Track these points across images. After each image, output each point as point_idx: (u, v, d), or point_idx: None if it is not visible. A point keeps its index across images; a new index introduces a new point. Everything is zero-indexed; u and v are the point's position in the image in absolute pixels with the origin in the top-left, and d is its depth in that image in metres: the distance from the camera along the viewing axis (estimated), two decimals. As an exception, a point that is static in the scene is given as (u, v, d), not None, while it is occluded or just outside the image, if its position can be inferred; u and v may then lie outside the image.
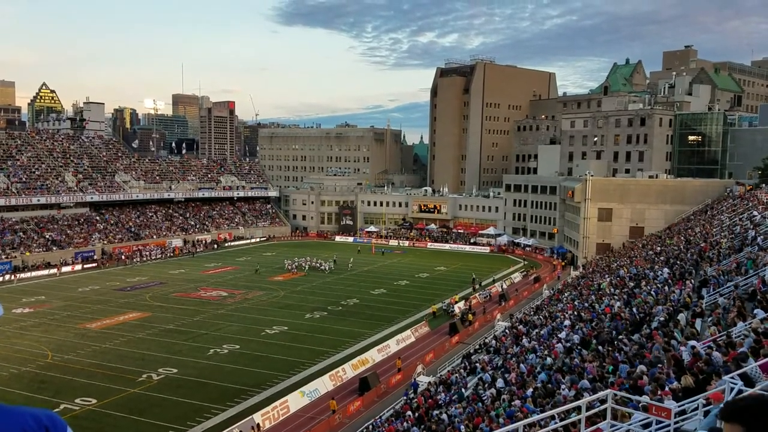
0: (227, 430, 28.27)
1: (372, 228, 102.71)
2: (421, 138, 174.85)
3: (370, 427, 29.31)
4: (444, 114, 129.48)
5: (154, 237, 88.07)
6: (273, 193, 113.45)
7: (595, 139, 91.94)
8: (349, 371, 37.28)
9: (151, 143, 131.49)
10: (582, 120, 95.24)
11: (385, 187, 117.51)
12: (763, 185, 58.00)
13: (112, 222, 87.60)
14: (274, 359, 39.33)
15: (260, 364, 38.42)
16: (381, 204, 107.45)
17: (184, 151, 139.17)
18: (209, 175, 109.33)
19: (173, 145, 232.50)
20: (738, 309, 18.74)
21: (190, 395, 33.21)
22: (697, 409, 11.59)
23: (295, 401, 32.66)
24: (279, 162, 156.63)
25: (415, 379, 36.24)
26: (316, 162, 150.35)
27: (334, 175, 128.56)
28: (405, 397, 31.94)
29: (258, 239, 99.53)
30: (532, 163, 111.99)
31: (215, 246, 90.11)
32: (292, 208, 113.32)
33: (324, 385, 35.08)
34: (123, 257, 77.98)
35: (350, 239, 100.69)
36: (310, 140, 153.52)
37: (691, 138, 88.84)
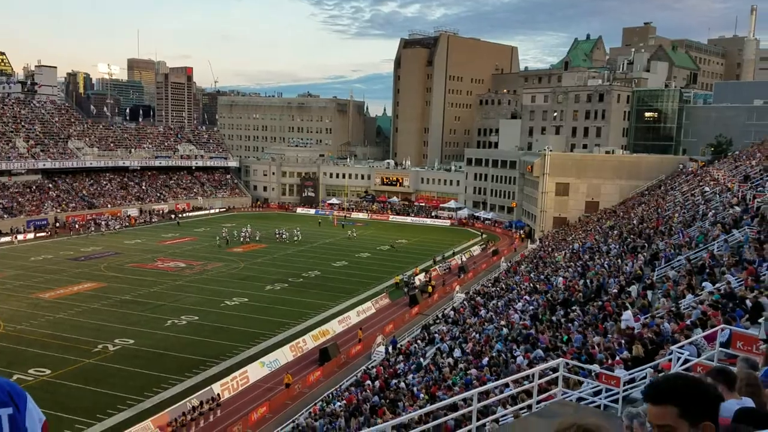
0: (185, 400, 28.21)
1: (334, 200, 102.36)
2: (384, 110, 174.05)
3: (330, 396, 29.65)
4: (407, 86, 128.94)
5: (109, 206, 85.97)
6: (233, 164, 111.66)
7: (555, 114, 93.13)
8: (309, 342, 37.48)
9: (105, 109, 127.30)
10: (542, 95, 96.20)
11: (348, 159, 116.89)
12: (716, 162, 59.89)
13: (65, 190, 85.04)
14: (234, 330, 39.19)
15: (219, 335, 38.24)
16: (343, 176, 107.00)
17: (140, 118, 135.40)
18: (166, 144, 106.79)
19: (128, 111, 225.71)
20: (687, 282, 19.47)
21: (147, 366, 32.91)
22: (645, 377, 12.08)
23: (255, 372, 32.74)
24: (239, 131, 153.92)
25: (375, 349, 36.73)
26: (277, 132, 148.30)
27: (296, 146, 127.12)
28: (367, 364, 32.34)
29: (217, 210, 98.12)
30: (493, 138, 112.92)
31: (172, 216, 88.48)
32: (252, 179, 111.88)
33: (284, 355, 35.21)
34: (77, 226, 75.96)
35: (312, 211, 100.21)
36: (271, 110, 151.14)
37: (647, 114, 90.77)
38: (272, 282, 51.87)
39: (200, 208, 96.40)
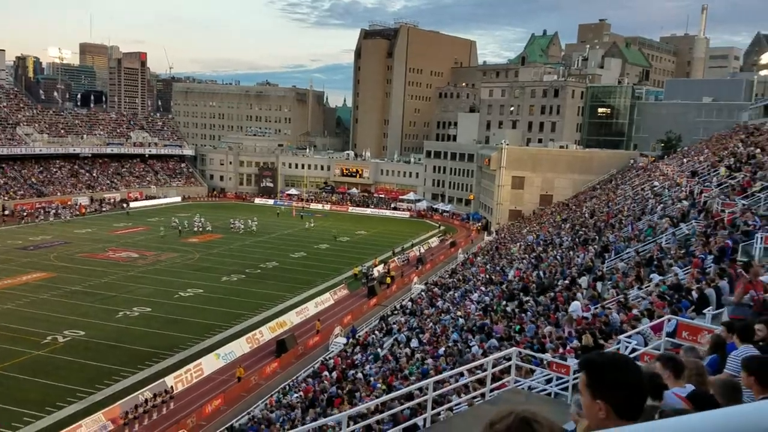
0: (138, 392, 27.74)
1: (293, 191, 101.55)
2: (344, 101, 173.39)
3: (287, 387, 29.59)
4: (367, 77, 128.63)
5: (59, 194, 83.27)
6: (188, 152, 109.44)
7: (512, 108, 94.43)
8: (266, 333, 37.25)
9: (56, 94, 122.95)
10: (500, 89, 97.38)
11: (307, 150, 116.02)
12: (665, 157, 61.81)
13: (13, 177, 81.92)
14: (188, 322, 38.61)
15: (173, 327, 37.62)
16: (302, 167, 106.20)
17: (91, 104, 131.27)
18: (118, 130, 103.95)
19: (80, 97, 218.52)
20: (636, 273, 20.12)
21: (98, 358, 32.17)
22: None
23: (210, 364, 32.37)
24: (195, 119, 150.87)
25: (332, 340, 36.75)
26: (234, 121, 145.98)
27: (254, 135, 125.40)
28: (322, 357, 32.36)
29: (172, 199, 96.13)
30: (452, 130, 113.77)
31: (124, 205, 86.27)
32: (208, 168, 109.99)
33: (240, 347, 34.91)
34: (25, 214, 73.34)
35: (270, 201, 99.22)
36: (228, 97, 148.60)
37: (600, 110, 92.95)
38: (229, 273, 51.23)
39: (154, 197, 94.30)
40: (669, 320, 10.97)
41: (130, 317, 39.05)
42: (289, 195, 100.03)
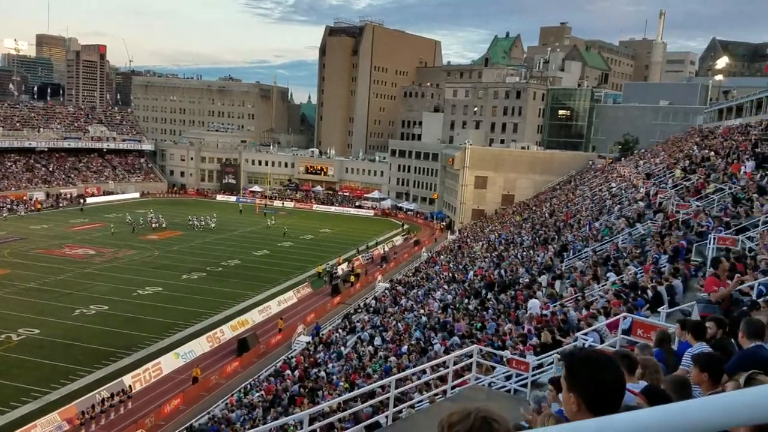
0: (94, 392, 27.17)
1: (256, 188, 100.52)
2: (309, 97, 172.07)
3: (248, 386, 29.34)
4: (332, 74, 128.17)
5: (13, 189, 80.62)
6: (148, 147, 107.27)
7: (475, 109, 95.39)
8: (227, 332, 36.85)
9: (11, 86, 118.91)
10: (464, 90, 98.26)
11: (271, 147, 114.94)
12: (623, 159, 63.33)
13: (-40, 171, 78.99)
14: (147, 321, 37.90)
15: (131, 325, 36.88)
16: (266, 163, 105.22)
17: (48, 97, 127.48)
18: (76, 124, 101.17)
19: (36, 89, 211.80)
20: (593, 272, 20.60)
21: (54, 357, 31.36)
22: (552, 363, 12.74)
23: (169, 363, 31.88)
24: (155, 113, 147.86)
25: (295, 339, 36.57)
26: (196, 116, 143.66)
27: (216, 130, 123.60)
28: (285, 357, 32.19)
29: (130, 195, 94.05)
30: (417, 130, 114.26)
31: (80, 201, 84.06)
32: (169, 164, 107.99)
33: (200, 346, 34.46)
34: (-26, 211, 70.81)
35: (233, 198, 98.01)
36: (190, 92, 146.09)
37: (561, 112, 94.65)
38: (189, 271, 50.45)
39: (111, 193, 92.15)
40: (624, 318, 11.29)
41: (87, 315, 38.14)
42: (252, 192, 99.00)
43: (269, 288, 47.29)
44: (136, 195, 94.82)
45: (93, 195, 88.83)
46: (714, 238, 16.80)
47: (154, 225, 67.79)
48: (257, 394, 26.34)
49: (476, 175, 75.77)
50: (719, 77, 77.85)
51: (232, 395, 28.43)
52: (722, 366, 4.84)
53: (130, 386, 28.73)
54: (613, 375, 2.31)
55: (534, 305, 19.06)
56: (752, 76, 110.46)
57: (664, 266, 17.03)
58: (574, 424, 1.00)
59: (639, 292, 15.80)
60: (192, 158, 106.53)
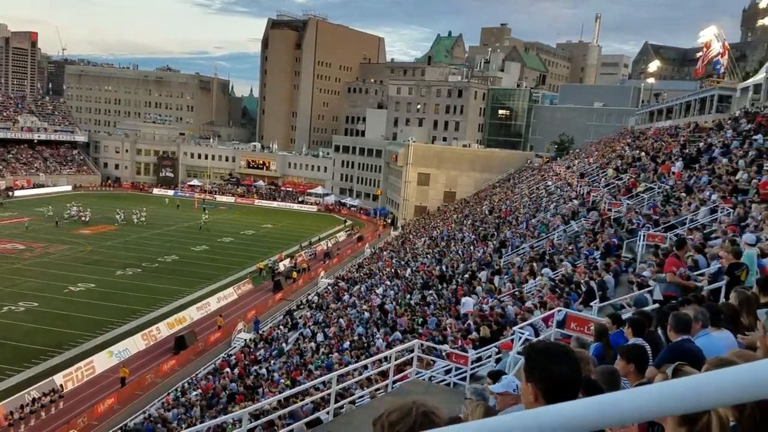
0: (24, 391, 26.05)
1: (195, 182, 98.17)
2: (251, 90, 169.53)
3: (186, 384, 28.74)
4: (275, 68, 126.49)
5: (-70, 181, 75.93)
6: (81, 138, 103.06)
7: (418, 106, 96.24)
8: (164, 330, 35.96)
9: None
10: (407, 87, 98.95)
11: (211, 140, 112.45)
12: (558, 158, 65.32)
13: None
14: (79, 318, 36.51)
15: (63, 323, 35.47)
16: (206, 157, 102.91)
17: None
18: (5, 114, 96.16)
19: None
20: (530, 268, 21.20)
21: (-22, 357, 29.82)
22: (490, 357, 13.07)
23: (102, 362, 30.88)
24: (89, 104, 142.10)
25: (235, 336, 36.04)
26: (132, 107, 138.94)
27: (153, 122, 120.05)
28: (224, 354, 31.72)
29: (62, 188, 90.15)
30: (361, 126, 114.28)
31: (9, 193, 79.96)
32: (103, 156, 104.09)
33: (135, 344, 33.53)
34: None
35: (170, 192, 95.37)
36: (126, 82, 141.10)
37: (500, 112, 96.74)
38: (123, 267, 48.86)
39: (42, 186, 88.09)
40: (558, 312, 11.70)
41: (16, 312, 36.46)
42: (190, 186, 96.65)
43: (208, 284, 46.34)
44: (68, 188, 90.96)
45: (23, 188, 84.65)
46: (644, 236, 17.60)
47: (84, 218, 65.28)
48: (195, 393, 25.84)
49: (419, 172, 76.52)
50: (651, 80, 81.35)
51: (169, 394, 27.82)
52: (646, 357, 5.11)
53: (61, 385, 27.77)
54: (570, 367, 2.34)
55: (467, 303, 19.54)
56: (682, 79, 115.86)
57: (597, 262, 17.72)
58: (511, 415, 1.01)
59: (572, 287, 16.38)
60: (127, 150, 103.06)
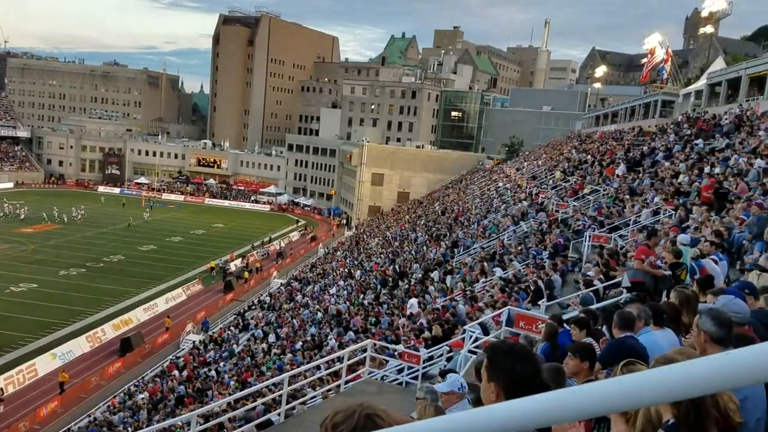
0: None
1: (143, 179, 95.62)
2: (202, 87, 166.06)
3: (132, 387, 28.03)
4: (227, 65, 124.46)
5: None
6: (23, 134, 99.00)
7: (373, 107, 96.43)
8: (109, 332, 34.97)
9: None
10: (361, 87, 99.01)
11: (160, 137, 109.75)
12: (509, 161, 66.57)
13: None
14: (21, 319, 35.10)
15: (3, 324, 34.05)
16: (154, 154, 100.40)
17: None
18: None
19: None
20: (481, 267, 21.55)
21: None
22: (441, 355, 13.22)
23: (45, 364, 29.82)
24: (32, 98, 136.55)
25: (183, 338, 35.35)
26: (77, 102, 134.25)
27: (99, 118, 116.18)
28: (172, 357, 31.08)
29: (2, 185, 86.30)
30: (314, 125, 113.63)
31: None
32: (46, 152, 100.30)
33: (80, 346, 32.50)
34: None
35: (116, 190, 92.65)
36: (71, 77, 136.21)
37: (453, 114, 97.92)
38: (67, 267, 47.23)
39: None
40: (508, 310, 11.94)
41: (-52, 316, 34.76)
42: (138, 184, 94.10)
43: (156, 285, 45.22)
44: (10, 185, 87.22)
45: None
46: (589, 236, 18.13)
47: (20, 216, 62.84)
48: (141, 396, 25.22)
49: (373, 172, 76.69)
50: (597, 85, 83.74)
51: (115, 397, 27.11)
52: (596, 355, 5.28)
53: (2, 389, 26.75)
54: (532, 367, 2.40)
55: (412, 304, 19.80)
56: (627, 84, 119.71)
57: (545, 262, 18.15)
58: (463, 413, 1.02)
59: (521, 287, 16.74)
60: (72, 147, 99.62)
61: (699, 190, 16.84)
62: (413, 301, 20.26)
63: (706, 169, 19.41)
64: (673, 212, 16.48)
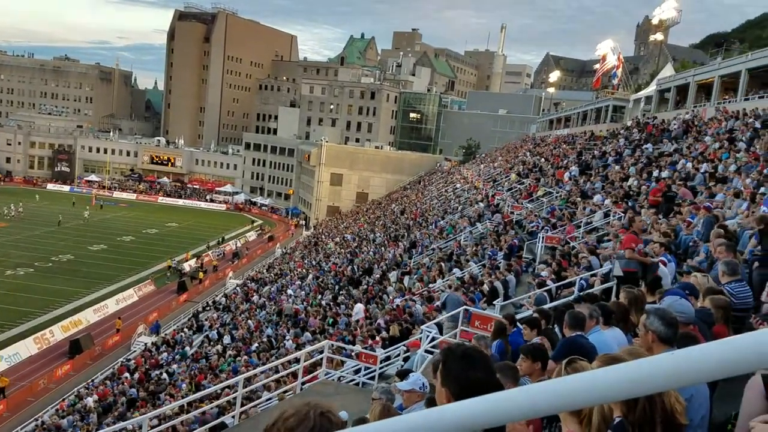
0: None
1: (94, 177, 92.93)
2: (156, 83, 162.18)
3: (82, 390, 27.25)
4: (182, 61, 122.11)
5: None
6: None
7: (332, 106, 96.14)
8: (57, 333, 33.93)
9: None
10: (320, 87, 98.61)
11: (111, 133, 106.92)
12: (466, 162, 67.37)
13: None
14: (-39, 323, 33.71)
15: (-59, 328, 32.63)
16: (105, 151, 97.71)
17: None
18: None
19: None
20: (438, 268, 21.74)
21: None
22: (399, 355, 13.30)
23: (-11, 368, 28.68)
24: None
25: (135, 339, 34.56)
26: (26, 97, 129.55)
27: (49, 113, 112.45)
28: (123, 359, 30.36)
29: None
30: (272, 124, 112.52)
31: None
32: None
33: (27, 348, 31.46)
34: None
35: (66, 188, 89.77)
36: (19, 71, 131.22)
37: (411, 115, 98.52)
38: (14, 266, 45.57)
39: None
40: (464, 311, 12.09)
41: None
42: (88, 182, 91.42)
43: (107, 285, 44.03)
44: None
45: None
46: (543, 237, 18.52)
47: None
48: (91, 399, 24.53)
49: (332, 172, 76.46)
50: (551, 90, 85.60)
51: (63, 400, 26.33)
52: (548, 355, 5.40)
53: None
54: (486, 372, 2.38)
55: (358, 309, 19.91)
56: (580, 89, 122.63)
57: (500, 263, 18.44)
58: (414, 414, 1.05)
59: (477, 287, 16.96)
60: (20, 143, 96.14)
61: (647, 193, 17.38)
62: (359, 306, 20.40)
63: (655, 173, 20.07)
64: (623, 215, 16.96)
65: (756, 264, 7.61)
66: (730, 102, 30.73)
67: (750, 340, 0.82)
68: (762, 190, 12.72)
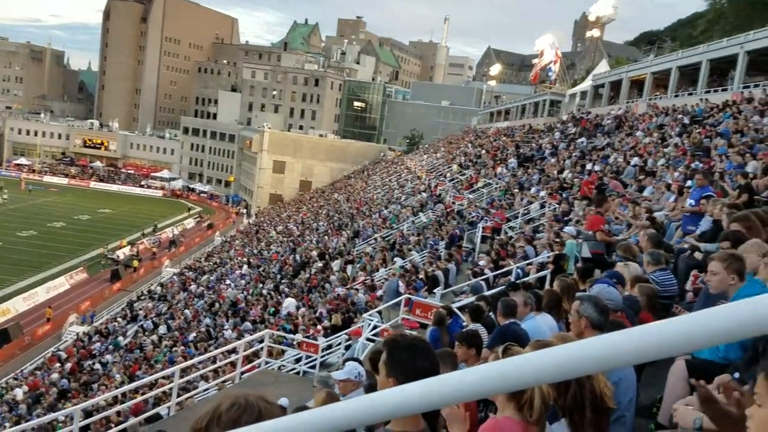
0: None
1: (23, 160, 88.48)
2: (89, 64, 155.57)
3: (11, 381, 26.13)
4: (117, 41, 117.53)
5: None
6: None
7: (274, 92, 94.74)
8: (-18, 323, 32.27)
9: None
10: (263, 72, 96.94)
11: (42, 115, 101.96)
12: (410, 152, 67.86)
13: None
14: None
15: None
16: (36, 134, 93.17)
17: None
18: None
19: None
20: (382, 257, 21.91)
21: None
22: (340, 344, 13.37)
23: None
24: None
25: (66, 329, 33.32)
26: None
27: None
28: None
29: None
30: (212, 108, 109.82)
31: None
32: None
33: (-52, 340, 29.78)
34: None
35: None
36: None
37: (356, 104, 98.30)
38: (-68, 254, 42.99)
39: None
40: (407, 299, 12.27)
41: None
42: (17, 165, 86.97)
43: (36, 273, 42.16)
44: None
45: None
46: (482, 227, 18.94)
47: None
48: (20, 390, 23.55)
49: (274, 159, 75.46)
50: (492, 83, 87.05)
51: (-11, 394, 25.07)
52: (482, 342, 5.56)
53: None
54: (431, 362, 2.44)
55: (289, 303, 19.93)
56: (519, 83, 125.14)
57: (441, 252, 18.76)
58: (356, 399, 1.10)
59: (419, 275, 17.21)
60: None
61: (580, 185, 18.00)
62: (290, 300, 20.42)
63: (588, 166, 20.80)
64: (557, 206, 17.52)
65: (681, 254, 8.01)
66: (660, 98, 32.10)
67: (671, 327, 0.85)
68: (689, 183, 13.40)
